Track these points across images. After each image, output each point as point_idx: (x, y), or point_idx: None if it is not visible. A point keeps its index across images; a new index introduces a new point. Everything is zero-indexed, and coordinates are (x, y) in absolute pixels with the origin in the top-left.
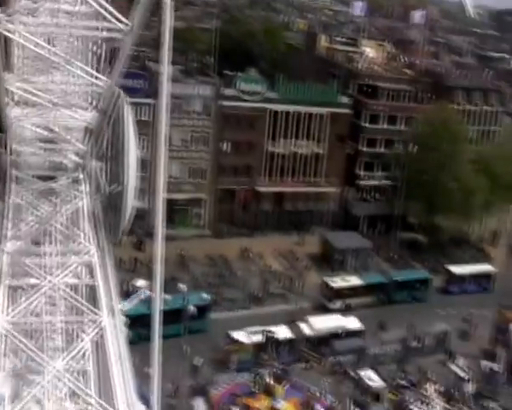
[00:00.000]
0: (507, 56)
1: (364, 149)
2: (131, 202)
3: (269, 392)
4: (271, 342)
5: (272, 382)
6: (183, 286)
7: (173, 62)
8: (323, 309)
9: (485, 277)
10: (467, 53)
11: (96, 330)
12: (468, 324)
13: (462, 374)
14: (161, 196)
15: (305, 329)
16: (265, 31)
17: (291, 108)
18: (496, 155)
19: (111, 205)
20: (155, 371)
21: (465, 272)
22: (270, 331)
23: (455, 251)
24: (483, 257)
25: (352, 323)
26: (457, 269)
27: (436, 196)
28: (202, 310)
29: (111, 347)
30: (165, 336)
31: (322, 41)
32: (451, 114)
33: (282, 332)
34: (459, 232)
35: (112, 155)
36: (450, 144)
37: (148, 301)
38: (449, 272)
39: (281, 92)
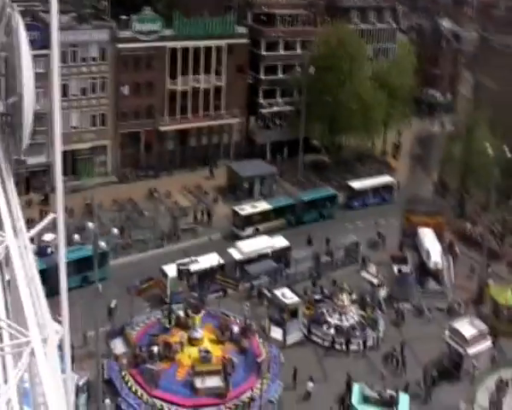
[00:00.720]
0: None
1: (264, 77)
2: (31, 111)
3: (183, 325)
4: (186, 274)
5: (185, 314)
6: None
7: (66, 11)
8: (235, 238)
9: (386, 188)
10: None
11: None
12: (377, 234)
13: (374, 280)
14: (59, 148)
15: (235, 254)
16: None
17: (189, 43)
18: (392, 71)
19: (10, 120)
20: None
21: (365, 185)
22: (183, 264)
23: (359, 167)
24: (386, 170)
25: (280, 242)
26: (357, 184)
27: (338, 116)
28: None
29: (17, 267)
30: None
31: None
32: (348, 34)
33: (207, 261)
34: (362, 148)
35: (6, 70)
36: (347, 63)
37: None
38: (350, 187)
39: (177, 29)
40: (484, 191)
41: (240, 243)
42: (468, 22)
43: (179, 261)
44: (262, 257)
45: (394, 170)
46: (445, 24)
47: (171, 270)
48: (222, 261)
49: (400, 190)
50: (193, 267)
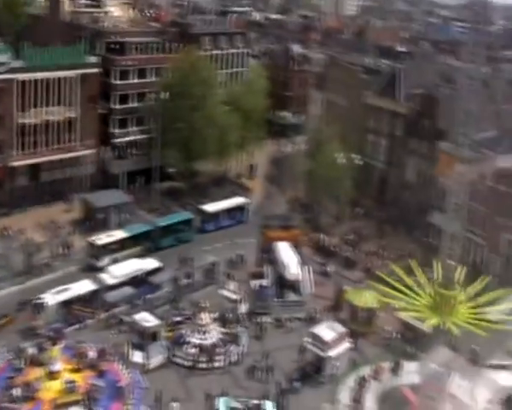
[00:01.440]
0: (248, 9)
1: (117, 106)
2: None
3: (38, 361)
4: (41, 307)
5: (41, 349)
6: None
7: None
8: (92, 269)
9: (240, 209)
10: (210, 11)
11: None
12: (235, 254)
13: (233, 297)
14: None
15: (107, 279)
16: (4, 5)
17: (39, 75)
18: (245, 94)
19: None
20: None
21: (218, 208)
22: (38, 298)
23: (215, 190)
24: (242, 191)
25: (152, 263)
26: (210, 207)
27: (193, 141)
28: None
29: None
30: None
31: (66, 6)
32: (199, 60)
33: (78, 289)
34: (218, 172)
35: None
36: (200, 88)
37: None
38: (202, 211)
39: (27, 60)
40: (336, 203)
41: (111, 268)
42: (317, 46)
43: (39, 295)
44: (132, 280)
45: (250, 191)
46: (295, 48)
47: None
48: (89, 289)
49: (256, 209)
50: (54, 299)
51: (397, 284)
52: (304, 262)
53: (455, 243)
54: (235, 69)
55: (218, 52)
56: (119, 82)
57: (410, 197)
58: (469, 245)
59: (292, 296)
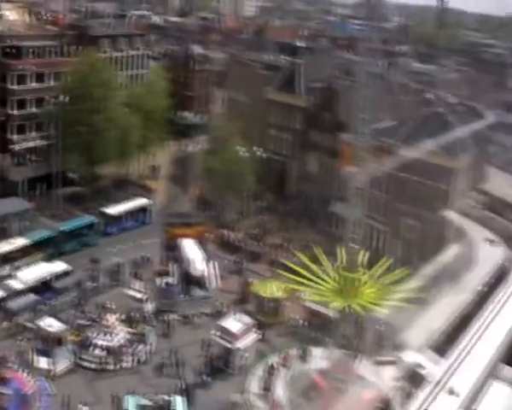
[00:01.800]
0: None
1: (15, 111)
2: None
3: None
4: None
5: None
6: None
7: None
8: None
9: (142, 210)
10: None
11: None
12: (140, 255)
13: (139, 296)
14: None
15: (15, 284)
16: None
17: None
18: (146, 95)
19: None
20: None
21: (120, 210)
22: None
23: (118, 193)
24: (146, 193)
25: (60, 266)
26: (112, 210)
27: (93, 144)
28: None
29: None
30: None
31: None
32: (98, 62)
33: None
34: (120, 174)
35: None
36: (100, 90)
37: None
38: (104, 214)
39: None
40: (240, 198)
41: (20, 273)
42: (217, 46)
43: None
44: (36, 287)
45: (153, 192)
46: (196, 49)
47: None
48: None
49: (160, 210)
50: None
51: (302, 272)
52: (209, 258)
53: (357, 229)
54: (135, 71)
55: (118, 54)
56: (16, 87)
57: (313, 189)
58: (372, 231)
59: (198, 292)
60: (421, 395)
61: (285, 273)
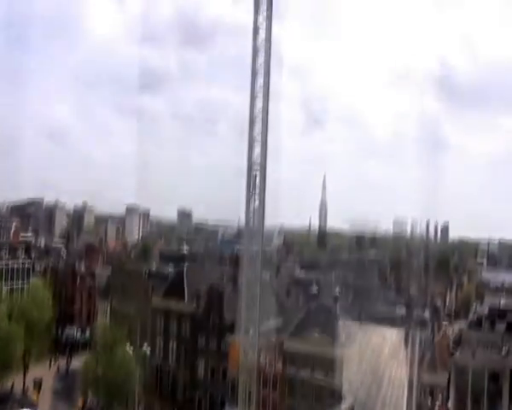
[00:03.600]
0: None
1: None
2: None
3: None
4: None
5: None
6: None
7: None
8: None
9: None
10: None
11: None
12: None
13: None
14: None
15: None
16: None
17: None
18: (29, 308)
19: None
20: None
21: None
22: None
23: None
24: (28, 405)
25: None
26: None
27: None
28: None
29: None
30: None
31: None
32: None
33: None
34: (1, 388)
35: None
36: None
37: None
38: None
39: None
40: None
41: None
42: (100, 264)
43: None
44: None
45: (36, 405)
46: (79, 266)
47: None
48: None
49: None
50: None
51: None
52: None
53: None
54: (17, 282)
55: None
56: None
57: (201, 394)
58: None
59: None
60: None
61: None
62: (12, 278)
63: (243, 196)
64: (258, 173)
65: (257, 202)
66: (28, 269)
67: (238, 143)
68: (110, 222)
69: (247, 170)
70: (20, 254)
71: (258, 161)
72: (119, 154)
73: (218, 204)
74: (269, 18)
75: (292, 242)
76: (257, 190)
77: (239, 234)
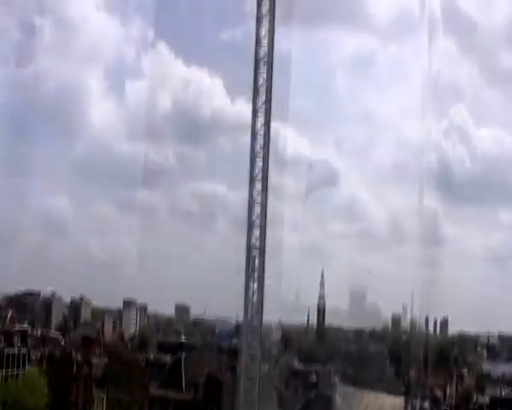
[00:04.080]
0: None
1: None
2: None
3: None
4: None
5: None
6: None
7: None
8: None
9: None
10: None
11: None
12: None
13: None
14: None
15: None
16: None
17: None
18: (24, 394)
19: None
20: None
21: None
22: None
23: None
24: None
25: None
26: None
27: None
28: None
29: None
30: None
31: None
32: None
33: None
34: None
35: None
36: None
37: None
38: None
39: None
40: None
41: None
42: (98, 354)
43: None
44: None
45: None
46: (76, 354)
47: None
48: None
49: None
50: None
51: None
52: None
53: None
54: (12, 369)
55: None
56: None
57: None
58: None
59: None
60: None
61: None
62: (7, 366)
63: (241, 292)
64: (257, 255)
65: (255, 285)
66: (24, 356)
67: (237, 238)
68: (107, 315)
69: (246, 250)
70: (16, 341)
71: (258, 244)
72: (117, 247)
73: (215, 300)
74: (267, 121)
75: (290, 336)
76: (256, 273)
77: (237, 330)
